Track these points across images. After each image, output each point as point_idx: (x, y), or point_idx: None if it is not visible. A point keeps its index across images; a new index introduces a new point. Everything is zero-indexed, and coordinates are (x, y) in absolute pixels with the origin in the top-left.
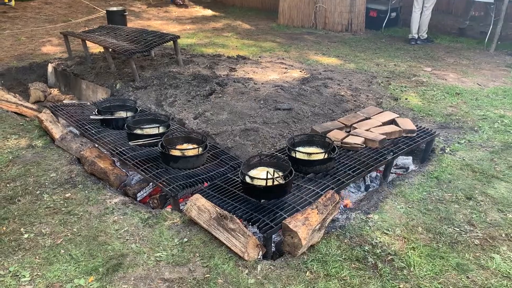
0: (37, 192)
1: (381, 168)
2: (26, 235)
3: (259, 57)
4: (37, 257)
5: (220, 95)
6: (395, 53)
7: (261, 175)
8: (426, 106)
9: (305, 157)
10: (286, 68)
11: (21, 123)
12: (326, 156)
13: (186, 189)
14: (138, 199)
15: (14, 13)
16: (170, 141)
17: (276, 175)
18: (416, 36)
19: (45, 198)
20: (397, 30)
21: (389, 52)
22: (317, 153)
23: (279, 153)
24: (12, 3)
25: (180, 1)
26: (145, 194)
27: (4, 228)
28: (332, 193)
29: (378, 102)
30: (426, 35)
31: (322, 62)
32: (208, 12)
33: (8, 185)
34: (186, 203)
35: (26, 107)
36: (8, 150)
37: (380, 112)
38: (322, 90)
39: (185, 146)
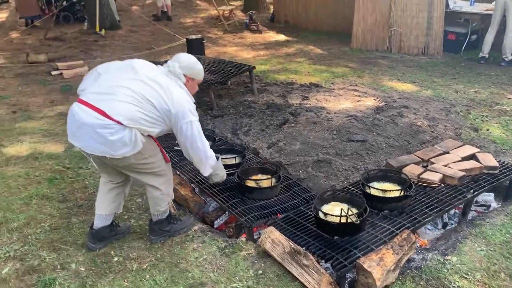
0: (125, 217)
1: (460, 205)
2: (116, 258)
3: (332, 83)
4: (125, 280)
5: (293, 124)
6: (475, 78)
7: (334, 211)
8: (510, 138)
9: (380, 193)
10: (359, 96)
11: None
12: (402, 193)
13: (260, 220)
14: (215, 227)
15: (104, 42)
16: (246, 171)
17: (350, 212)
18: (487, 55)
19: (132, 223)
20: (478, 53)
21: (468, 77)
22: (393, 190)
23: (352, 187)
24: (103, 32)
25: (254, 27)
26: (221, 222)
27: (97, 251)
28: (408, 233)
29: (457, 133)
30: (511, 57)
31: (397, 88)
32: (281, 37)
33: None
34: (259, 233)
35: None
36: (99, 174)
37: (460, 146)
38: (397, 120)
39: (259, 177)
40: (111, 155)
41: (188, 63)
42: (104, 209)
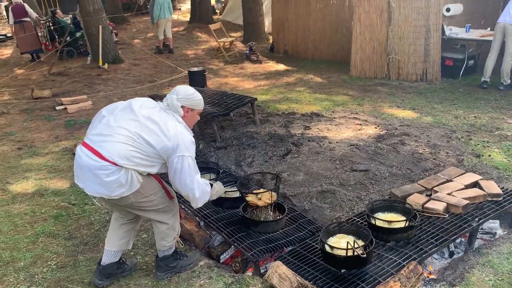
0: (131, 253)
1: (466, 234)
2: None
3: (332, 112)
4: None
5: (296, 155)
6: (474, 103)
7: (341, 243)
8: None
9: (385, 224)
10: (360, 124)
11: None
12: (407, 224)
13: (266, 253)
14: (221, 261)
15: (107, 75)
16: (250, 206)
17: (356, 244)
18: (488, 79)
19: (138, 259)
20: (476, 78)
21: (468, 102)
22: (398, 221)
23: (357, 217)
24: (105, 66)
25: (254, 57)
26: (227, 256)
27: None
28: (415, 265)
29: (459, 160)
30: (509, 81)
31: (397, 115)
32: (281, 67)
33: None
34: (266, 267)
35: None
36: (105, 211)
37: (462, 174)
38: (399, 148)
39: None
40: (108, 196)
41: (186, 94)
42: (114, 245)
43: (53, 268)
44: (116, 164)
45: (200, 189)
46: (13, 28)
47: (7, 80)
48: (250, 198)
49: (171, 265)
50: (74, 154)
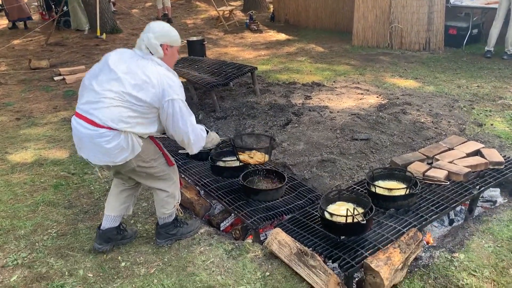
0: (131, 221)
1: (467, 202)
2: (123, 264)
3: (334, 81)
4: (133, 285)
5: (296, 125)
6: (478, 72)
7: (340, 211)
8: None
9: (385, 192)
10: (362, 94)
11: None
12: (408, 191)
13: (266, 221)
14: (221, 229)
15: (105, 45)
16: (250, 174)
17: (356, 211)
18: (492, 49)
19: (138, 227)
20: (480, 47)
21: (471, 71)
22: (398, 189)
23: (357, 186)
24: (104, 36)
25: (254, 27)
26: (227, 224)
27: (105, 256)
28: (415, 231)
29: (461, 129)
30: None
31: (399, 85)
32: (282, 36)
33: None
34: (266, 234)
35: None
36: (104, 180)
37: (464, 142)
38: (401, 117)
39: (264, 180)
40: (112, 162)
41: (162, 30)
42: (113, 210)
43: (53, 236)
44: (113, 129)
45: (195, 133)
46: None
47: (4, 51)
48: (242, 156)
49: (171, 232)
50: None
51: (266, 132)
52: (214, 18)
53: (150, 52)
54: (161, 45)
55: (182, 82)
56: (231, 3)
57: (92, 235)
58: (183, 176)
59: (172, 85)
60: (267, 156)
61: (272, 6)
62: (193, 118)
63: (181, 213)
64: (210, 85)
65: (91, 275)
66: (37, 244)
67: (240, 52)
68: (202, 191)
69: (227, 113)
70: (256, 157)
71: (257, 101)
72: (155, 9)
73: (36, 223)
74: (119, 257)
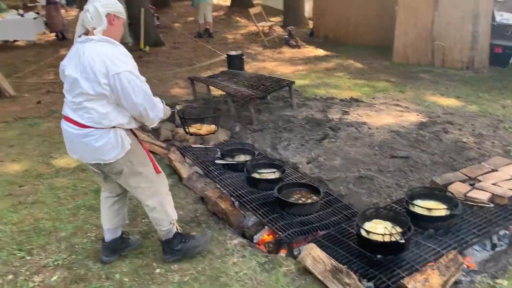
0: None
1: (511, 226)
2: (158, 270)
3: (373, 98)
4: None
5: (333, 139)
6: None
7: (377, 229)
8: None
9: (425, 212)
10: (401, 111)
11: None
12: (448, 212)
13: (300, 236)
14: (254, 241)
15: (148, 58)
16: (285, 187)
17: (393, 230)
18: None
19: None
20: None
21: None
22: (438, 209)
23: (395, 204)
24: (147, 48)
25: (293, 42)
26: (260, 237)
27: (140, 262)
28: (455, 254)
29: (506, 150)
30: None
31: (440, 103)
32: (320, 52)
33: (143, 220)
34: (299, 249)
35: (157, 145)
36: None
37: (509, 164)
38: (442, 136)
39: (298, 193)
40: (103, 160)
41: (110, 0)
42: (110, 223)
43: (92, 240)
44: (99, 128)
45: (150, 102)
46: (46, 9)
47: (53, 60)
48: (192, 129)
49: (175, 248)
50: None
51: (302, 146)
52: (253, 34)
53: (94, 25)
54: (107, 15)
55: (220, 94)
56: (271, 19)
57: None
58: (218, 186)
59: (114, 59)
60: (214, 126)
61: (311, 22)
62: (146, 87)
63: (181, 230)
64: (248, 98)
65: (127, 280)
66: (76, 246)
67: (278, 66)
68: (237, 202)
69: (263, 125)
70: (205, 128)
71: (294, 115)
72: (196, 23)
73: (76, 226)
74: (154, 264)
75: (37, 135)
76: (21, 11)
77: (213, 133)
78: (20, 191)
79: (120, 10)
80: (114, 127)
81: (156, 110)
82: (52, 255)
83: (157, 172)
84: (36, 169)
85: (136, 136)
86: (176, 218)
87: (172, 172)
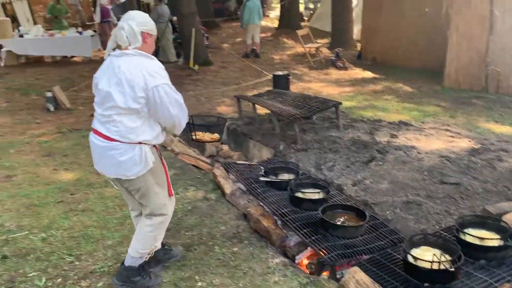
0: (210, 243)
1: None
2: (199, 283)
3: (422, 122)
4: None
5: (380, 163)
6: None
7: (425, 255)
8: None
9: (476, 241)
10: (452, 137)
11: (198, 176)
12: (502, 243)
13: (344, 259)
14: (296, 261)
15: (197, 76)
16: (329, 208)
17: (443, 258)
18: None
19: (216, 250)
20: None
21: None
22: (491, 239)
23: (445, 232)
24: (196, 67)
25: (340, 64)
26: (302, 258)
27: (183, 274)
28: (509, 287)
29: None
30: None
31: (494, 131)
32: (368, 74)
33: (186, 233)
34: (342, 272)
35: (202, 161)
36: (187, 200)
37: None
38: (495, 164)
39: (343, 215)
40: (125, 176)
41: (143, 18)
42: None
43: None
44: (124, 142)
45: (183, 113)
46: (101, 27)
47: None
48: (198, 136)
49: (132, 278)
50: (163, 146)
51: (347, 168)
52: (300, 55)
53: (129, 41)
54: (141, 33)
55: (266, 113)
56: (318, 41)
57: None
58: (261, 204)
59: (152, 72)
60: (217, 134)
61: (359, 44)
62: (181, 99)
63: (147, 262)
64: (293, 117)
65: None
66: (122, 255)
67: (324, 87)
68: (280, 221)
69: (308, 145)
70: (208, 136)
71: (339, 136)
72: (244, 44)
73: (123, 235)
74: (196, 277)
75: (88, 146)
76: (80, 29)
77: (217, 141)
78: (71, 198)
79: (152, 28)
80: (140, 142)
81: (185, 119)
82: (99, 261)
83: (170, 195)
84: (87, 178)
85: (159, 153)
86: (157, 248)
87: (216, 187)
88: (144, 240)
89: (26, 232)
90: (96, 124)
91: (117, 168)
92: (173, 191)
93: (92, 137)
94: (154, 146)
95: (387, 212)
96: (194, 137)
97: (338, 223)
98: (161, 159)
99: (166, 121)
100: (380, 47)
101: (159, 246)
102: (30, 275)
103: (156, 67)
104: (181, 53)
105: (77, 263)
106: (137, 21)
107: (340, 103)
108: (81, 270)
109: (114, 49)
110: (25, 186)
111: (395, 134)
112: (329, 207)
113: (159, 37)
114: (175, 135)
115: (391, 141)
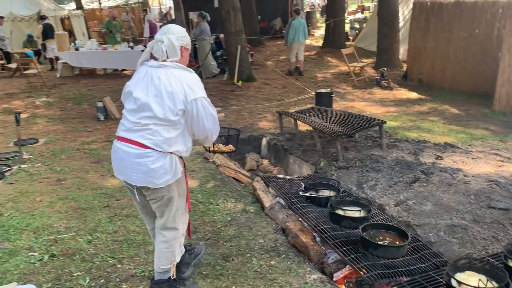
0: (248, 255)
1: None
2: None
3: (469, 145)
4: None
5: (425, 184)
6: None
7: (470, 281)
8: None
9: None
10: (502, 161)
11: (238, 189)
12: None
13: (383, 279)
14: (333, 279)
15: (240, 91)
16: (370, 227)
17: (489, 284)
18: None
19: (253, 262)
20: None
21: None
22: None
23: (492, 258)
24: (240, 83)
25: (385, 84)
26: (340, 276)
27: (220, 283)
28: None
29: None
30: None
31: None
32: (413, 95)
33: (225, 243)
34: None
35: (242, 174)
36: (227, 211)
37: None
38: None
39: (384, 235)
40: (153, 184)
41: (182, 32)
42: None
43: None
44: (157, 150)
45: (216, 127)
46: (149, 41)
47: None
48: (216, 147)
49: None
50: (205, 158)
51: (390, 188)
52: (344, 73)
53: (167, 54)
54: (180, 47)
55: (307, 130)
56: (363, 60)
57: (211, 261)
58: (300, 219)
59: (192, 85)
60: (232, 146)
61: (405, 65)
62: (214, 111)
63: (174, 276)
64: (336, 134)
65: None
66: None
67: (368, 107)
68: (318, 237)
69: (349, 163)
70: (225, 147)
71: (382, 155)
72: (288, 61)
73: None
74: (234, 286)
75: None
76: (131, 44)
77: (233, 152)
78: (116, 204)
79: (188, 42)
80: (171, 152)
81: (217, 132)
82: (140, 266)
83: (189, 208)
84: None
85: (184, 165)
86: (177, 262)
87: (255, 200)
88: (163, 258)
89: (73, 234)
90: (124, 133)
91: (146, 175)
92: (190, 205)
93: (120, 144)
94: (181, 157)
95: (430, 234)
96: (211, 148)
97: (379, 242)
98: (184, 171)
99: (200, 133)
100: (427, 68)
101: (178, 259)
102: (75, 274)
103: (195, 80)
104: (226, 69)
105: (119, 266)
106: (176, 35)
107: (385, 122)
108: (123, 273)
109: (147, 61)
110: (74, 190)
111: (441, 156)
112: (370, 225)
113: (201, 52)
114: (206, 149)
115: (436, 163)
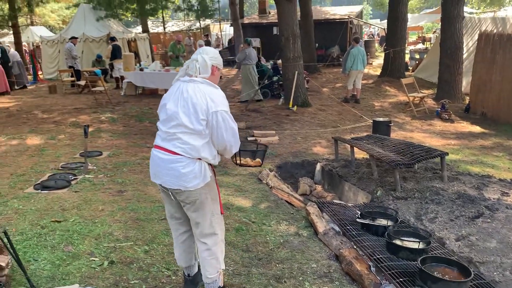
0: (300, 278)
1: None
2: None
3: None
4: None
5: (489, 220)
6: None
7: None
8: None
9: None
10: None
11: (291, 212)
12: None
13: None
14: None
15: (294, 117)
16: (430, 260)
17: None
18: None
19: (306, 286)
20: None
21: None
22: None
23: None
24: (295, 108)
25: (446, 116)
26: None
27: None
28: None
29: None
30: None
31: None
32: (476, 129)
33: (277, 265)
34: None
35: (295, 197)
36: (280, 233)
37: None
38: None
39: (444, 270)
40: (184, 187)
41: (215, 53)
42: (185, 262)
43: (230, 273)
44: (187, 157)
45: (235, 140)
46: None
47: None
48: (244, 161)
49: None
50: (259, 179)
51: (451, 221)
52: (402, 103)
53: (199, 71)
54: (212, 65)
55: (363, 157)
56: (423, 91)
57: (263, 281)
58: (355, 247)
59: (214, 99)
60: (259, 159)
61: (468, 97)
62: (235, 125)
63: (222, 284)
64: (395, 163)
65: None
66: None
67: (427, 138)
68: (374, 266)
69: (408, 194)
70: (251, 161)
71: (443, 188)
72: (344, 89)
73: None
74: None
75: None
76: None
77: (260, 166)
78: None
79: (220, 63)
80: (199, 159)
81: (237, 147)
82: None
83: (221, 212)
84: None
85: (214, 173)
86: (224, 269)
87: (308, 224)
88: (208, 266)
89: (131, 243)
90: (159, 142)
91: (178, 179)
92: (223, 209)
93: (156, 151)
94: (210, 165)
95: (495, 273)
96: (238, 161)
97: (439, 276)
98: (214, 177)
99: (219, 143)
100: (492, 101)
101: (223, 266)
102: (132, 282)
103: (219, 95)
104: (282, 94)
105: (173, 277)
106: (210, 55)
107: (447, 154)
108: (177, 285)
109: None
110: (134, 202)
111: (507, 192)
112: (429, 258)
113: (243, 75)
114: (234, 162)
115: (502, 199)
